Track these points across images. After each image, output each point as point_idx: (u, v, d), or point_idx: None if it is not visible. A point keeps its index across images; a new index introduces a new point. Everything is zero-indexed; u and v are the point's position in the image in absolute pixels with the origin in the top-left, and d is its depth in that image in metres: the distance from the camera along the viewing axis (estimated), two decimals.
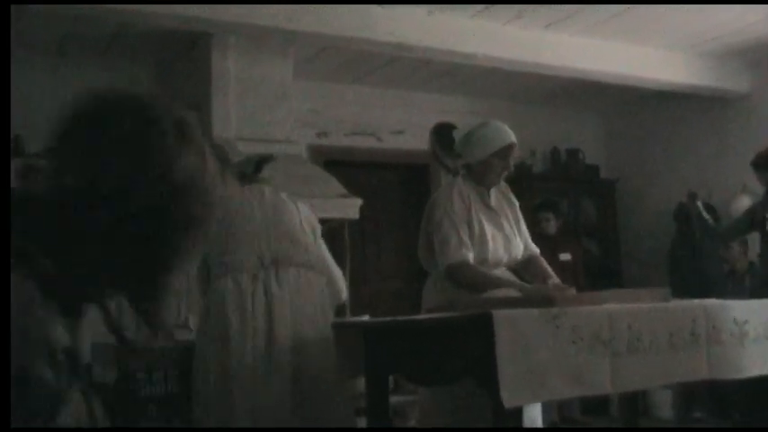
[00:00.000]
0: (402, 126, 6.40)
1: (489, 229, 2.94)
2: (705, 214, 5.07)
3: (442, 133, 3.09)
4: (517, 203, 3.18)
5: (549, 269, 3.13)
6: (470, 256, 2.85)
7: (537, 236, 5.59)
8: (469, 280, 2.82)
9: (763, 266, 5.02)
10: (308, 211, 3.55)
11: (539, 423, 3.00)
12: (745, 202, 5.92)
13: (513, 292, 2.75)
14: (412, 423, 4.10)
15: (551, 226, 6.08)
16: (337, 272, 3.62)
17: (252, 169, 3.55)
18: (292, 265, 3.32)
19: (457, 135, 3.03)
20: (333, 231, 4.77)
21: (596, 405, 6.05)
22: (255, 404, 3.13)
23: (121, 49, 5.11)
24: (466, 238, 2.86)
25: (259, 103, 4.90)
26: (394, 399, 3.30)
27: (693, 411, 5.91)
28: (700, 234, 5.14)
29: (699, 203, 5.05)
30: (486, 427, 2.16)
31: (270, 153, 3.70)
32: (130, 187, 1.02)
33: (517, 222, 3.11)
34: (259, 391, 3.14)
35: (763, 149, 4.89)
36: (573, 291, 2.71)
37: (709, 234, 5.11)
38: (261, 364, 3.16)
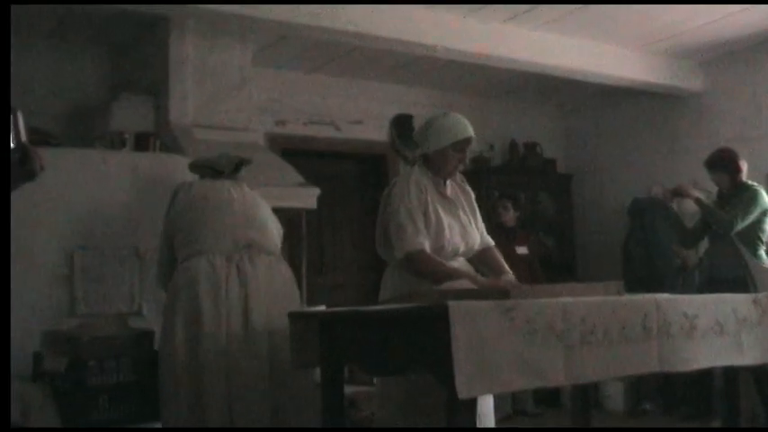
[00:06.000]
0: (360, 116, 6.39)
1: (446, 219, 2.95)
2: (680, 217, 5.15)
3: (402, 124, 3.09)
4: (473, 194, 3.19)
5: (503, 262, 3.15)
6: (427, 245, 2.86)
7: (495, 227, 5.66)
8: (427, 268, 2.82)
9: (710, 263, 5.11)
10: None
11: (491, 417, 3.02)
12: None
13: (467, 284, 2.77)
14: (365, 414, 4.11)
15: (509, 215, 6.11)
16: None
17: (230, 169, 3.58)
18: (264, 253, 3.35)
19: (416, 124, 3.04)
20: (290, 221, 4.76)
21: (548, 396, 6.13)
22: (231, 387, 3.11)
23: (72, 32, 4.99)
24: (422, 227, 2.86)
25: (217, 90, 4.84)
26: (348, 389, 3.30)
27: (643, 403, 6.02)
28: (680, 236, 5.20)
29: (674, 204, 5.10)
30: (446, 427, 2.16)
31: (249, 157, 3.72)
32: None
33: (473, 212, 3.13)
34: (234, 373, 3.12)
35: (716, 150, 4.96)
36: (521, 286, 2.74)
37: (679, 234, 5.18)
38: (236, 347, 3.14)
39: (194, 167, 3.71)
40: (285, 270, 3.45)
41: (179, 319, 3.19)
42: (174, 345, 3.17)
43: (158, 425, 3.31)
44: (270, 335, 3.20)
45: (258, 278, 3.26)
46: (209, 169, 3.61)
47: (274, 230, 3.54)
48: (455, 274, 2.84)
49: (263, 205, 3.56)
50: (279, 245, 3.56)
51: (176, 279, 3.27)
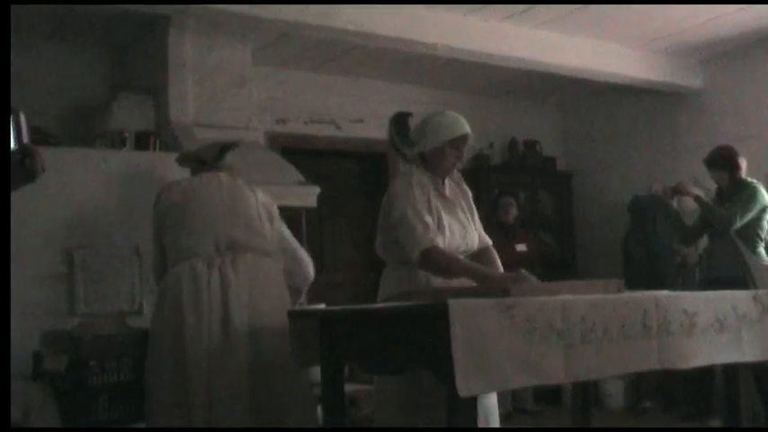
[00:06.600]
0: (361, 115, 6.39)
1: (446, 219, 2.94)
2: (680, 214, 5.15)
3: (402, 122, 3.08)
4: (470, 192, 3.18)
5: (499, 262, 3.15)
6: (439, 240, 2.84)
7: (495, 225, 5.67)
8: (443, 264, 2.80)
9: (709, 260, 5.11)
10: (265, 197, 3.54)
11: (495, 413, 3.02)
12: None
13: (473, 280, 2.78)
14: (366, 412, 4.11)
15: (512, 212, 6.13)
16: (304, 254, 3.63)
17: (213, 156, 3.53)
18: (249, 251, 3.30)
19: (412, 123, 3.03)
20: (290, 219, 4.76)
21: (549, 394, 6.14)
22: (211, 390, 3.12)
23: (72, 32, 4.98)
24: (431, 224, 2.85)
25: (217, 89, 4.84)
26: (349, 387, 3.30)
27: (643, 402, 6.03)
28: (680, 234, 5.21)
29: (674, 202, 5.11)
30: (449, 428, 2.17)
31: (234, 140, 3.68)
32: None
33: (471, 211, 3.12)
34: (214, 377, 3.12)
35: (716, 148, 4.97)
36: (534, 280, 2.72)
37: (679, 232, 5.18)
38: (216, 351, 3.14)
39: (181, 160, 3.70)
40: (274, 266, 3.36)
41: (164, 325, 3.21)
42: (161, 343, 3.20)
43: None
44: (255, 336, 3.18)
45: (240, 282, 3.22)
46: (195, 161, 3.58)
47: (263, 217, 3.42)
48: (471, 269, 2.83)
49: (246, 195, 3.43)
50: (269, 235, 3.44)
51: (165, 280, 3.28)
